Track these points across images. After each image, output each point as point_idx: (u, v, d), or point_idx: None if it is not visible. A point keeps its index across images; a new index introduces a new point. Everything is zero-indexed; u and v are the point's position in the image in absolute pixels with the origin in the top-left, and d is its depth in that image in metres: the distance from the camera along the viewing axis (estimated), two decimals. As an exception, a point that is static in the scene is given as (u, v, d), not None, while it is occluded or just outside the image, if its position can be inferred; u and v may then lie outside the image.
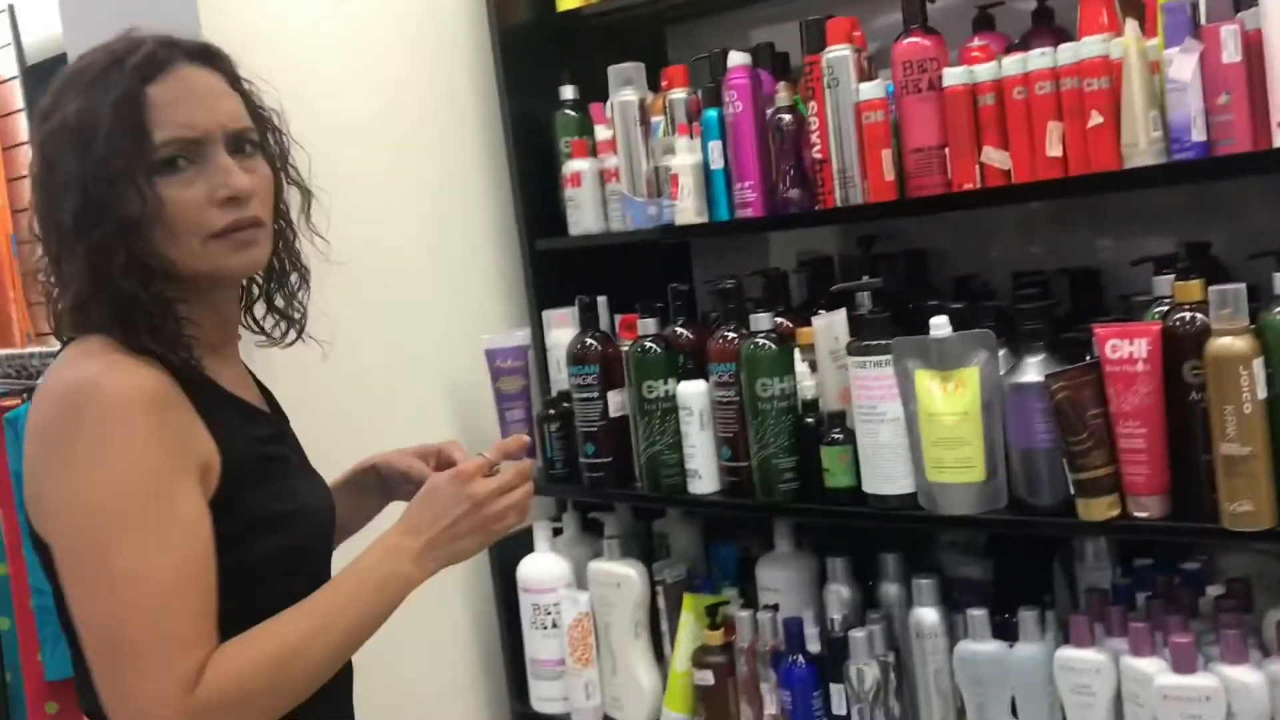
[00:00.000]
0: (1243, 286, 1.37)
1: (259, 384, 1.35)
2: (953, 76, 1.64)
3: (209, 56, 1.20)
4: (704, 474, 1.88)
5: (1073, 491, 1.50)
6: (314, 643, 1.12)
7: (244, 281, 1.30)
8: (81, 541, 1.06)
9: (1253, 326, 1.37)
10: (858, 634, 1.73)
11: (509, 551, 2.14)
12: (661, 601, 2.05)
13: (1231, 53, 1.42)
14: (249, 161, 1.19)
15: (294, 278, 1.33)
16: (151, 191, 1.12)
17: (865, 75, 1.76)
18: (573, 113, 2.16)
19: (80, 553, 1.07)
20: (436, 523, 1.23)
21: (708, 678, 1.91)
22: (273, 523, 1.18)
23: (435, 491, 1.24)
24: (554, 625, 2.08)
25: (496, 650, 2.22)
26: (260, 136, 1.23)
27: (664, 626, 2.06)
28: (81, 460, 1.06)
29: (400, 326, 2.16)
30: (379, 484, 1.47)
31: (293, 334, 1.36)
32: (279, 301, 1.33)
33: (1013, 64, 1.60)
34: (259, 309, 1.34)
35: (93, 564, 1.05)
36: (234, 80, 1.23)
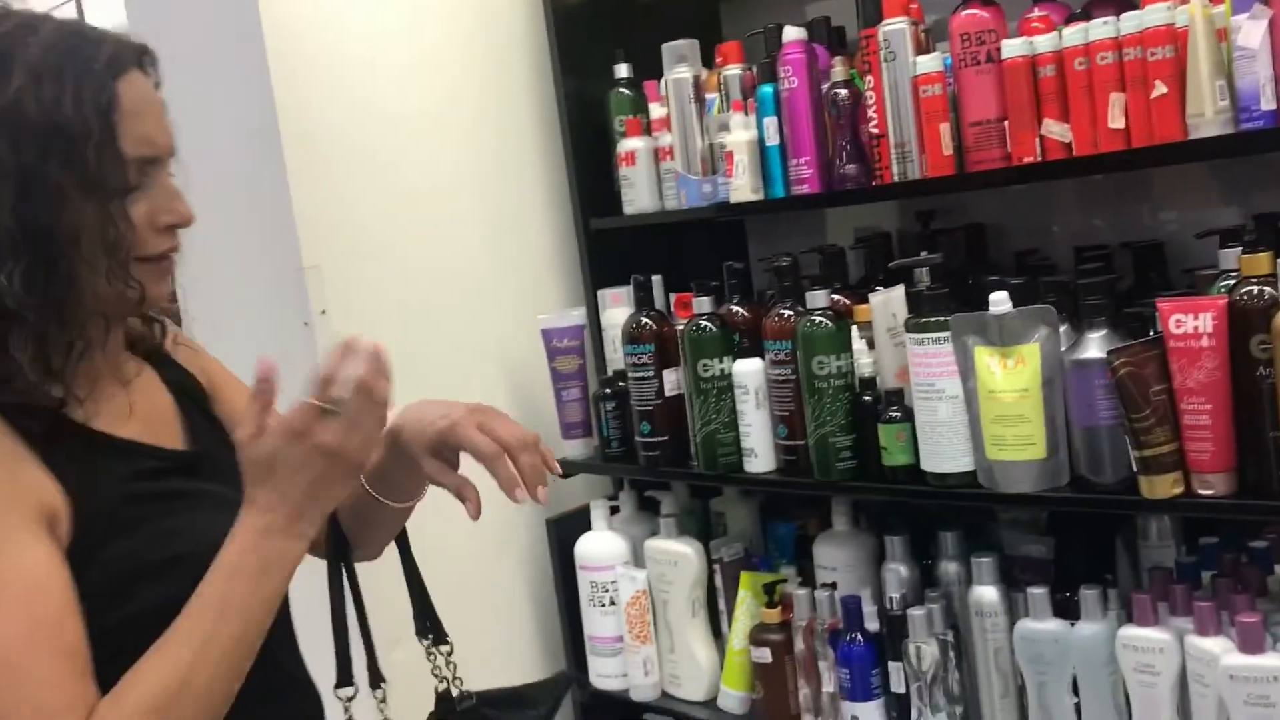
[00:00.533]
0: (1313, 259, 1.33)
1: (197, 401, 1.22)
2: (1012, 48, 1.61)
3: (153, 61, 1.09)
4: (760, 452, 1.87)
5: (1136, 469, 1.47)
6: (198, 669, 0.97)
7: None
8: None
9: (1323, 300, 1.33)
10: (916, 612, 1.72)
11: (567, 530, 2.16)
12: (719, 580, 2.05)
13: (1302, 18, 1.39)
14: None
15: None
16: (117, 210, 1.01)
17: (922, 48, 1.74)
18: (627, 91, 2.16)
19: None
20: (295, 487, 1.02)
21: (765, 655, 1.91)
22: (153, 571, 1.03)
23: (277, 458, 1.01)
24: (611, 603, 2.10)
25: (555, 627, 2.24)
26: None
27: (721, 604, 2.06)
28: None
29: (457, 307, 2.17)
30: (390, 460, 1.25)
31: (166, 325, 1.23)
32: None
33: (1074, 34, 1.57)
34: None
35: None
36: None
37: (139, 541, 1.03)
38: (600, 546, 2.11)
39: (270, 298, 1.99)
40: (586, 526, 2.14)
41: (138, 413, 1.12)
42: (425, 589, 1.34)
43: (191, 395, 1.23)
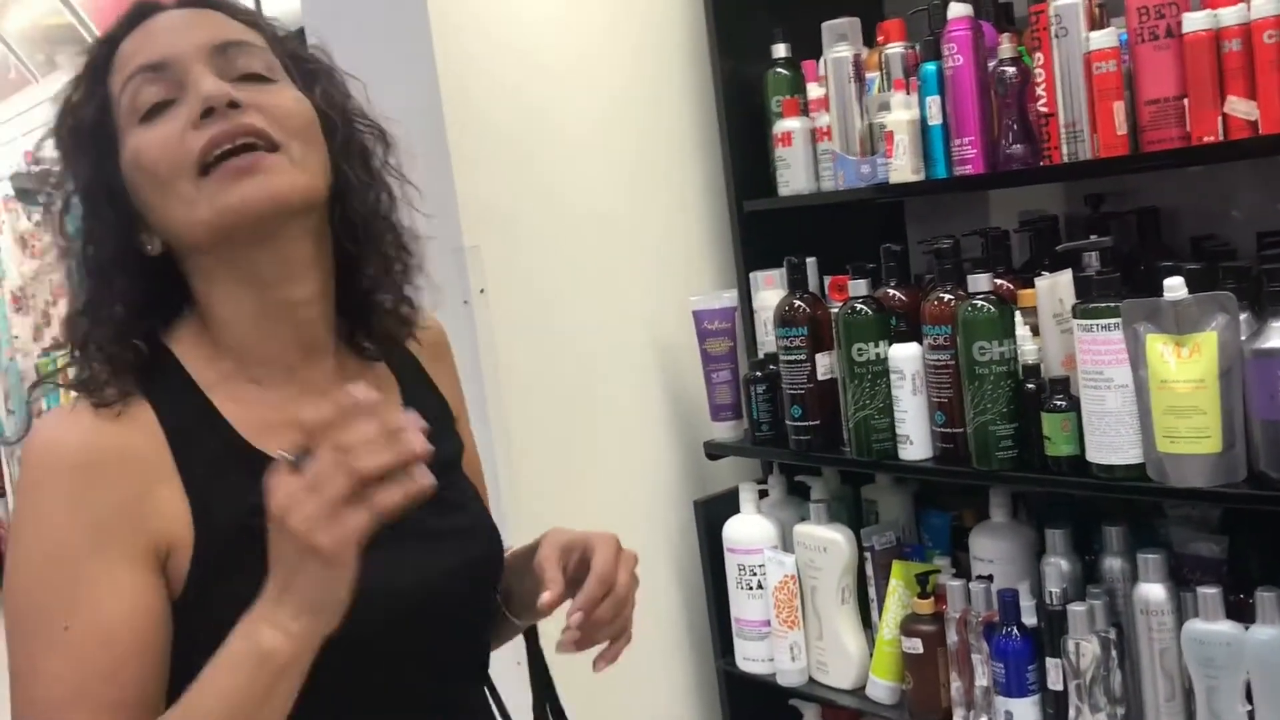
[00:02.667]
0: None
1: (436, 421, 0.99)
2: (1194, 21, 1.54)
3: (206, 2, 0.99)
4: (915, 439, 1.83)
5: (1323, 466, 1.39)
6: None
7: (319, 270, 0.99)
8: (7, 627, 0.89)
9: None
10: (1077, 608, 1.67)
11: (715, 512, 2.16)
12: (869, 568, 2.02)
13: None
14: (257, 87, 0.94)
15: (389, 255, 1.04)
16: (126, 145, 0.94)
17: (1096, 23, 1.67)
18: (785, 71, 2.13)
19: (7, 637, 0.90)
20: (281, 565, 0.83)
21: (917, 646, 1.88)
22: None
23: (275, 536, 0.83)
24: (759, 586, 2.09)
25: (703, 609, 2.24)
26: (289, 68, 1.00)
27: (871, 593, 2.03)
28: (16, 529, 0.92)
29: (609, 287, 2.19)
30: (526, 574, 1.12)
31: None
32: (383, 294, 1.04)
33: (1264, 5, 1.48)
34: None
35: (11, 660, 0.89)
36: (237, 15, 1.00)
37: (247, 584, 0.85)
38: (748, 529, 2.10)
39: (430, 276, 2.04)
40: (735, 509, 2.13)
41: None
42: (551, 682, 1.20)
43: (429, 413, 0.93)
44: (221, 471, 0.93)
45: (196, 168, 0.90)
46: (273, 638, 0.82)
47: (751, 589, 2.10)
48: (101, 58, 0.96)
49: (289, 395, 0.97)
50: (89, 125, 0.95)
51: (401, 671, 0.97)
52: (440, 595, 0.99)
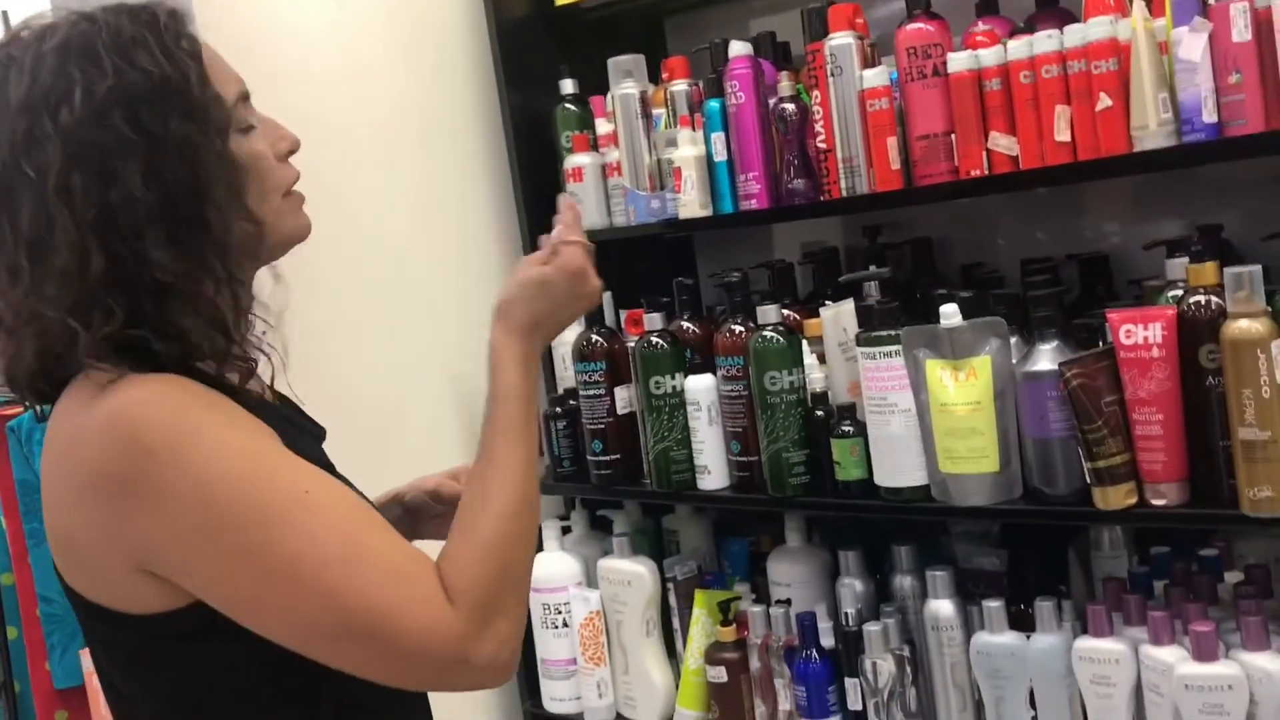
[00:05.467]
0: (1259, 268, 1.35)
1: None
2: (958, 61, 1.62)
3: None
4: (713, 469, 1.86)
5: (1089, 480, 1.48)
6: (513, 482, 1.04)
7: None
8: (236, 556, 0.93)
9: (1269, 309, 1.35)
10: (872, 627, 1.72)
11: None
12: (673, 598, 2.03)
13: (1242, 31, 1.40)
14: None
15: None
16: (242, 148, 1.03)
17: (869, 62, 1.74)
18: (573, 107, 2.14)
19: (240, 569, 0.93)
20: (553, 316, 1.14)
21: (721, 674, 1.89)
22: None
23: (547, 286, 1.13)
24: (565, 624, 2.07)
25: (507, 651, 2.20)
26: None
27: (675, 623, 2.04)
28: (176, 483, 0.92)
29: (403, 325, 2.14)
30: (404, 518, 1.31)
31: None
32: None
33: (1019, 48, 1.58)
34: None
35: (262, 570, 0.93)
36: None
37: None
38: (552, 567, 2.08)
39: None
40: (538, 547, 2.11)
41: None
42: None
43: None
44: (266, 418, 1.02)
45: (283, 190, 1.08)
46: (536, 364, 1.13)
47: (557, 628, 2.08)
48: (196, 50, 1.03)
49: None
50: (219, 106, 1.02)
51: None
52: None
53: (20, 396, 1.10)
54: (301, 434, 1.11)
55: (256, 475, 0.94)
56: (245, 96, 1.08)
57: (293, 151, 1.10)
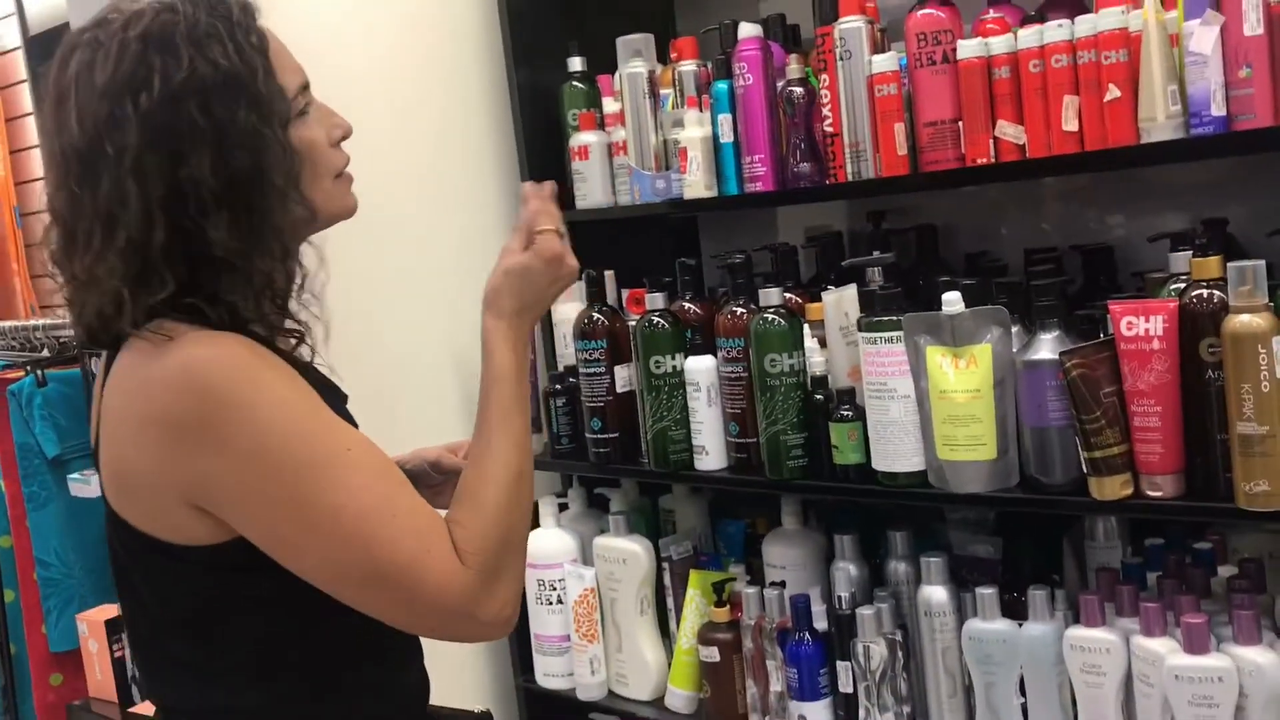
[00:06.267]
0: (1262, 263, 1.34)
1: None
2: (967, 49, 1.62)
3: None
4: (711, 450, 1.86)
5: (1086, 470, 1.48)
6: (518, 458, 1.16)
7: None
8: (284, 503, 1.04)
9: (1271, 304, 1.35)
10: (865, 611, 1.72)
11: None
12: (667, 578, 2.04)
13: (1254, 25, 1.40)
14: None
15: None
16: (300, 135, 1.13)
17: (878, 47, 1.74)
18: (580, 85, 2.13)
19: (286, 514, 1.04)
20: (536, 299, 1.24)
21: (714, 654, 1.90)
22: None
23: (529, 273, 1.22)
24: (559, 601, 2.08)
25: (501, 625, 2.21)
26: None
27: (670, 603, 2.05)
28: (239, 432, 1.02)
29: (406, 298, 2.14)
30: None
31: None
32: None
33: (1029, 36, 1.57)
34: None
35: (306, 517, 1.04)
36: None
37: None
38: (548, 544, 2.09)
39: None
40: (534, 524, 2.12)
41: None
42: None
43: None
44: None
45: (335, 174, 1.18)
46: (525, 346, 1.22)
47: (551, 604, 2.09)
48: (264, 42, 1.12)
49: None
50: (280, 96, 1.11)
51: None
52: None
53: (84, 345, 1.21)
54: (335, 396, 1.20)
55: (308, 432, 1.05)
56: (305, 86, 1.16)
57: (345, 137, 1.19)
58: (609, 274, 2.03)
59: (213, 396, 1.02)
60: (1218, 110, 1.44)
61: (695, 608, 1.97)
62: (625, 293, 2.08)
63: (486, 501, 1.12)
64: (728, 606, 1.91)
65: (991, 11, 1.67)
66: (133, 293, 1.05)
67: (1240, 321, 1.34)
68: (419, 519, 1.08)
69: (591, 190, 2.09)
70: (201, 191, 1.05)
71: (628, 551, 2.02)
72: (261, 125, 1.08)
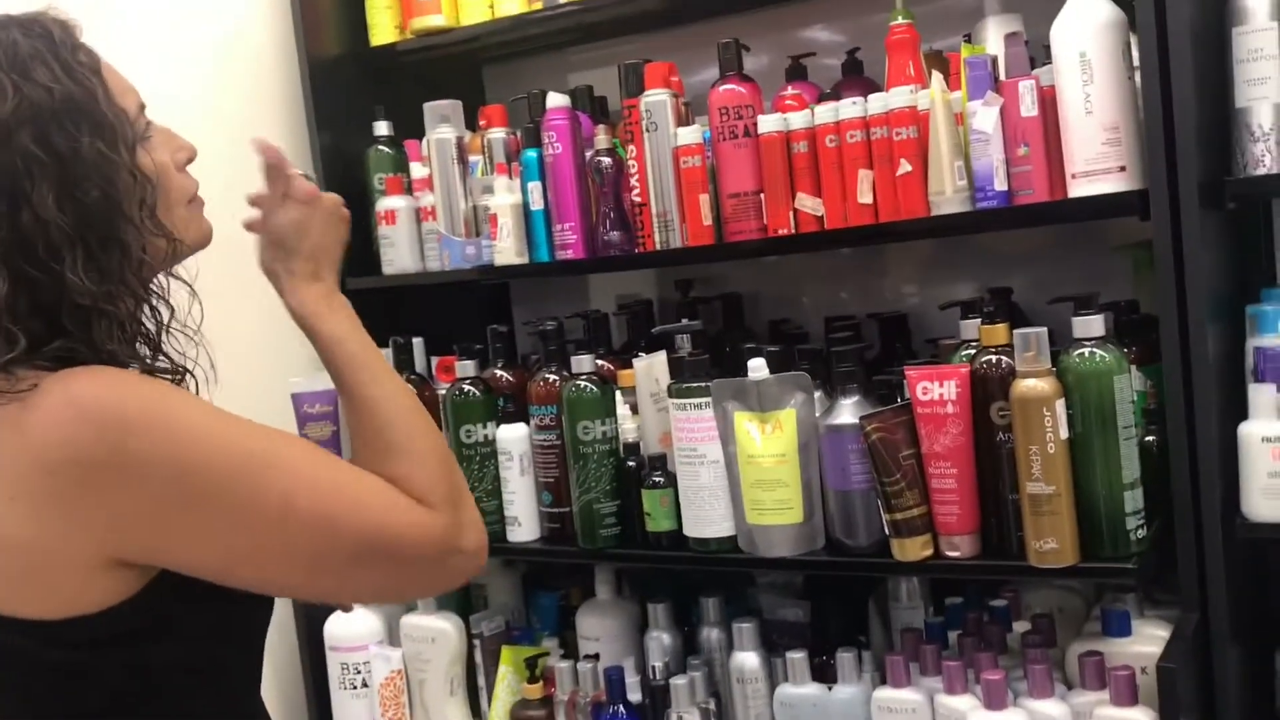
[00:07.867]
0: (1044, 330, 1.42)
1: None
2: (767, 124, 1.66)
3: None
4: (524, 521, 1.83)
5: (888, 532, 1.52)
6: (401, 398, 1.13)
7: None
8: (228, 511, 0.95)
9: (1054, 369, 1.42)
10: (679, 681, 1.71)
11: (315, 609, 2.04)
12: (479, 655, 1.98)
13: (1029, 106, 1.49)
14: None
15: None
16: (148, 160, 1.03)
17: (683, 120, 1.77)
18: (387, 149, 2.10)
19: (235, 523, 0.95)
20: (322, 245, 1.20)
21: (527, 732, 1.85)
22: None
23: (309, 223, 1.18)
24: (364, 685, 1.99)
25: (302, 713, 2.10)
26: None
27: (480, 681, 1.99)
28: (156, 454, 0.92)
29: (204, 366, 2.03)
30: None
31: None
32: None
33: (825, 112, 1.63)
34: None
35: (258, 517, 0.96)
36: None
37: None
38: (352, 625, 2.00)
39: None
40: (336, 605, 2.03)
41: None
42: None
43: None
44: None
45: (187, 199, 1.10)
46: (329, 316, 1.18)
47: (355, 689, 1.99)
48: (95, 63, 1.02)
49: None
50: (122, 120, 1.01)
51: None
52: None
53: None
54: None
55: (227, 432, 0.97)
56: (142, 107, 1.07)
57: (191, 160, 1.12)
58: (417, 341, 1.99)
59: (115, 424, 0.91)
60: (1000, 185, 1.52)
61: (507, 685, 1.92)
62: (435, 360, 2.03)
63: (414, 447, 1.07)
64: (540, 683, 1.86)
65: (790, 88, 1.73)
66: None
67: (1026, 385, 1.41)
68: (366, 482, 1.02)
69: (399, 255, 2.04)
70: (50, 232, 0.93)
71: (437, 630, 1.95)
72: (109, 151, 0.98)
